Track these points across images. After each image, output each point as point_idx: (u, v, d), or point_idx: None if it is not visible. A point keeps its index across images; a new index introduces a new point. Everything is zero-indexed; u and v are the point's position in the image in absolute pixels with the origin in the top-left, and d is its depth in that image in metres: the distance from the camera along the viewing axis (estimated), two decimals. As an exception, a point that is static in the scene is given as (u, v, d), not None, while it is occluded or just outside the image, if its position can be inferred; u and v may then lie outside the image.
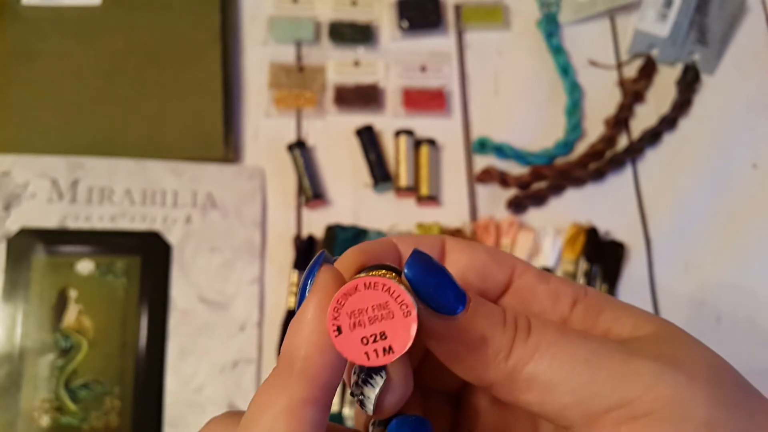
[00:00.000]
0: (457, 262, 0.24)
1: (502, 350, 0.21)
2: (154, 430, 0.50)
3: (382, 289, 0.20)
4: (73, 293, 0.52)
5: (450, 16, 0.64)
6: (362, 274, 0.21)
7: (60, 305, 0.52)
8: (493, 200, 0.58)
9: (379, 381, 0.21)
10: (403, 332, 0.19)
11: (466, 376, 0.22)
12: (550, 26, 0.63)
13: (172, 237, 0.54)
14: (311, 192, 0.57)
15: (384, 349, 0.19)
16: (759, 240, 0.57)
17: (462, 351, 0.22)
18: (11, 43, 0.59)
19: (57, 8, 0.60)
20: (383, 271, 0.21)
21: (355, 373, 0.22)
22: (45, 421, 0.49)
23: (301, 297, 0.21)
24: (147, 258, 0.54)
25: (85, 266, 0.53)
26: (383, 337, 0.19)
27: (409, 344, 0.19)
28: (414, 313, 0.19)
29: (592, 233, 0.56)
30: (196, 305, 0.53)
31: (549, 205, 0.58)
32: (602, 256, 0.56)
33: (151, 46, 0.60)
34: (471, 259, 0.24)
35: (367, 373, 0.21)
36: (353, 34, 0.62)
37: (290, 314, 0.54)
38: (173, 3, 0.61)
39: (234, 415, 0.21)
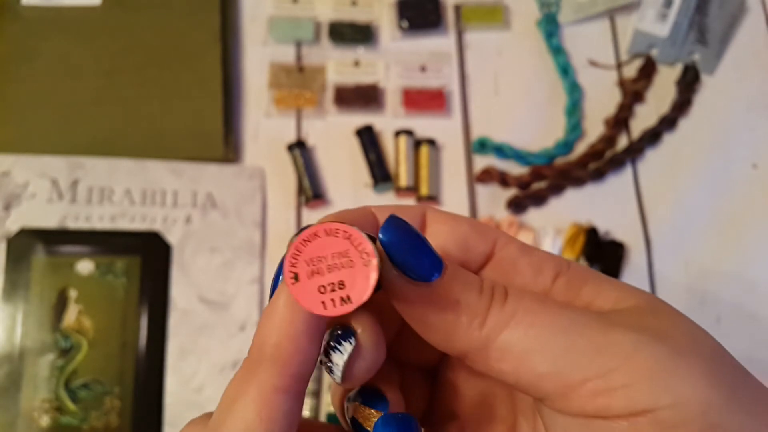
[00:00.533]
0: (438, 233, 0.24)
1: (477, 317, 0.21)
2: (154, 430, 0.50)
3: (343, 236, 0.19)
4: (73, 293, 0.52)
5: (450, 16, 0.64)
6: None
7: (60, 305, 0.52)
8: (493, 200, 0.58)
9: (347, 347, 0.20)
10: (363, 282, 0.18)
11: (439, 345, 0.22)
12: (550, 26, 0.63)
13: (172, 237, 0.54)
14: (311, 192, 0.57)
15: (342, 299, 0.18)
16: (759, 240, 0.57)
17: (436, 318, 0.21)
18: (11, 43, 0.59)
19: (57, 8, 0.60)
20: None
21: (324, 340, 0.21)
22: (45, 421, 0.49)
23: (273, 286, 0.21)
24: (147, 258, 0.54)
25: (85, 266, 0.53)
26: (341, 286, 0.19)
27: (368, 294, 0.18)
28: (374, 262, 0.18)
29: (592, 233, 0.56)
30: (196, 305, 0.53)
31: (549, 205, 0.58)
32: (602, 256, 0.56)
33: (151, 46, 0.60)
34: (452, 229, 0.24)
35: (335, 339, 0.20)
36: (353, 34, 0.62)
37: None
38: (173, 3, 0.61)
39: (211, 414, 0.21)
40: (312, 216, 0.57)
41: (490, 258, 0.24)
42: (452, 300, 0.21)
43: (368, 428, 0.22)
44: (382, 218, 0.23)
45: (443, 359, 0.26)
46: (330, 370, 0.21)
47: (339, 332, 0.20)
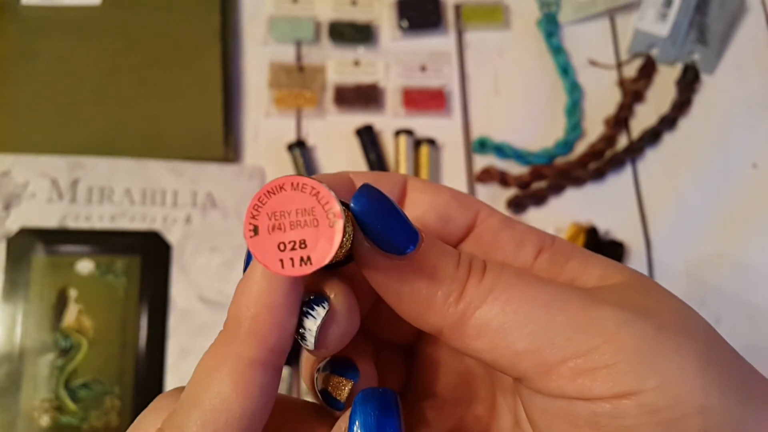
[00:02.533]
0: (418, 202, 0.23)
1: (453, 292, 0.19)
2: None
3: (311, 192, 0.17)
4: (73, 293, 0.52)
5: (450, 16, 0.64)
6: None
7: (60, 305, 0.52)
8: (493, 200, 0.58)
9: (320, 312, 0.19)
10: (326, 244, 0.17)
11: (413, 321, 0.21)
12: (550, 26, 0.63)
13: (172, 237, 0.54)
14: None
15: (302, 259, 0.17)
16: (759, 240, 0.57)
17: (410, 293, 0.20)
18: (11, 43, 0.59)
19: (57, 8, 0.60)
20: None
21: None
22: (45, 420, 0.49)
23: (248, 257, 0.20)
24: (147, 258, 0.54)
25: (85, 266, 0.53)
26: (303, 245, 0.17)
27: (329, 257, 0.17)
28: (340, 224, 0.17)
29: (592, 233, 0.56)
30: (196, 305, 0.53)
31: (549, 205, 0.58)
32: (602, 255, 0.56)
33: (151, 46, 0.60)
34: (432, 198, 0.23)
35: (308, 305, 0.19)
36: (353, 33, 0.62)
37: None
38: (173, 3, 0.61)
39: (182, 389, 0.20)
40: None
41: (470, 230, 0.23)
42: (427, 273, 0.20)
43: (338, 397, 0.21)
44: (359, 185, 0.21)
45: (420, 336, 0.25)
46: (302, 337, 0.20)
47: (312, 297, 0.20)
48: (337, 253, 0.18)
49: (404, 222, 0.19)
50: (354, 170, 0.23)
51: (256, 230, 0.17)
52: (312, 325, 0.19)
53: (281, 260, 0.17)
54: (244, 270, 0.20)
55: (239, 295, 0.19)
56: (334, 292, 0.20)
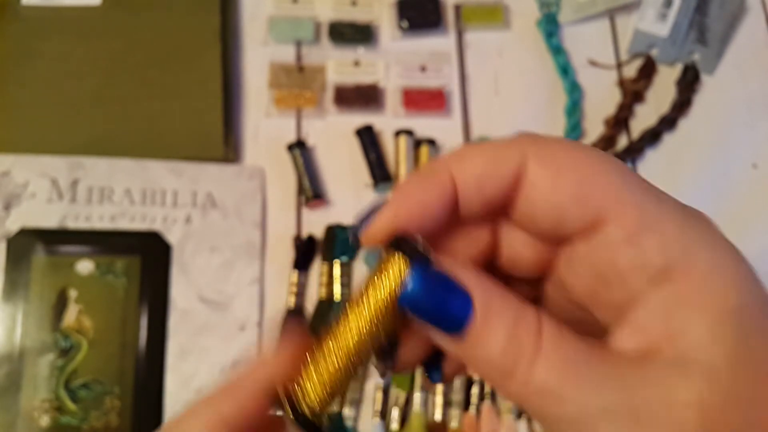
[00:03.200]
0: (529, 202, 0.21)
1: (507, 367, 0.19)
2: (154, 430, 0.50)
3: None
4: (73, 293, 0.52)
5: (450, 16, 0.64)
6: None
7: (60, 305, 0.52)
8: (493, 200, 0.58)
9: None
10: None
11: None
12: (550, 26, 0.63)
13: (172, 237, 0.54)
14: (311, 192, 0.57)
15: None
16: (759, 240, 0.57)
17: (472, 364, 0.20)
18: (11, 43, 0.59)
19: (57, 8, 0.60)
20: (397, 254, 0.20)
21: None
22: (45, 421, 0.49)
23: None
24: (147, 258, 0.54)
25: (84, 266, 0.53)
26: None
27: None
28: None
29: (592, 233, 0.56)
30: (196, 305, 0.53)
31: (549, 205, 0.58)
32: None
33: (151, 46, 0.60)
34: (548, 199, 0.20)
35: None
36: (353, 34, 0.62)
37: (290, 314, 0.54)
38: (173, 3, 0.61)
39: None
40: (312, 216, 0.57)
41: (588, 233, 0.20)
42: (481, 348, 0.20)
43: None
44: (461, 179, 0.21)
45: (542, 275, 0.24)
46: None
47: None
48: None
49: (455, 302, 0.19)
50: (460, 150, 0.22)
51: None
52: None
53: None
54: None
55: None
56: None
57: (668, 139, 0.60)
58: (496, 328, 0.20)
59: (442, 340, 0.20)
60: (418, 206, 0.21)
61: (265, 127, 0.60)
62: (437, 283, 0.20)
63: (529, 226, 0.22)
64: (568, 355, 0.19)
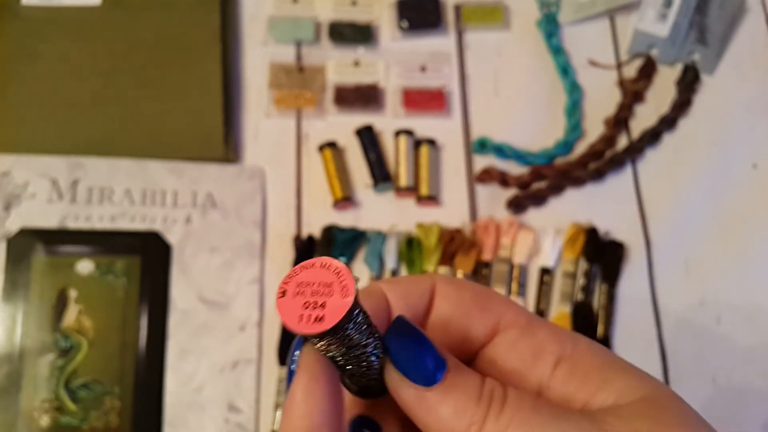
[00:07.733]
0: (443, 309, 0.25)
1: (474, 425, 0.21)
2: (154, 430, 0.50)
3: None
4: (73, 293, 0.52)
5: (450, 16, 0.64)
6: None
7: (60, 305, 0.52)
8: (493, 200, 0.58)
9: None
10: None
11: None
12: (550, 26, 0.63)
13: (172, 237, 0.54)
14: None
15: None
16: (759, 240, 0.57)
17: (435, 423, 0.22)
18: (11, 43, 0.59)
19: (57, 8, 0.60)
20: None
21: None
22: (45, 421, 0.49)
23: (288, 380, 0.22)
24: (147, 258, 0.54)
25: (85, 266, 0.53)
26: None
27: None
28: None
29: (592, 233, 0.56)
30: (196, 305, 0.53)
31: (549, 205, 0.58)
32: (602, 256, 0.56)
33: (151, 46, 0.60)
34: (457, 306, 0.25)
35: (357, 428, 0.24)
36: (353, 34, 0.62)
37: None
38: (173, 3, 0.61)
39: None
40: (312, 216, 0.57)
41: (493, 335, 0.25)
42: (451, 405, 0.21)
43: None
44: (393, 299, 0.24)
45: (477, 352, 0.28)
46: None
47: (360, 419, 0.24)
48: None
49: (432, 356, 0.22)
50: (385, 279, 0.27)
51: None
52: None
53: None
54: (286, 390, 0.22)
55: (285, 420, 0.21)
56: (384, 419, 0.23)
57: (668, 139, 0.60)
58: (465, 386, 0.22)
59: (408, 389, 0.22)
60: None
61: (265, 127, 0.60)
62: (419, 339, 0.22)
63: (444, 340, 0.24)
64: (530, 409, 0.21)
